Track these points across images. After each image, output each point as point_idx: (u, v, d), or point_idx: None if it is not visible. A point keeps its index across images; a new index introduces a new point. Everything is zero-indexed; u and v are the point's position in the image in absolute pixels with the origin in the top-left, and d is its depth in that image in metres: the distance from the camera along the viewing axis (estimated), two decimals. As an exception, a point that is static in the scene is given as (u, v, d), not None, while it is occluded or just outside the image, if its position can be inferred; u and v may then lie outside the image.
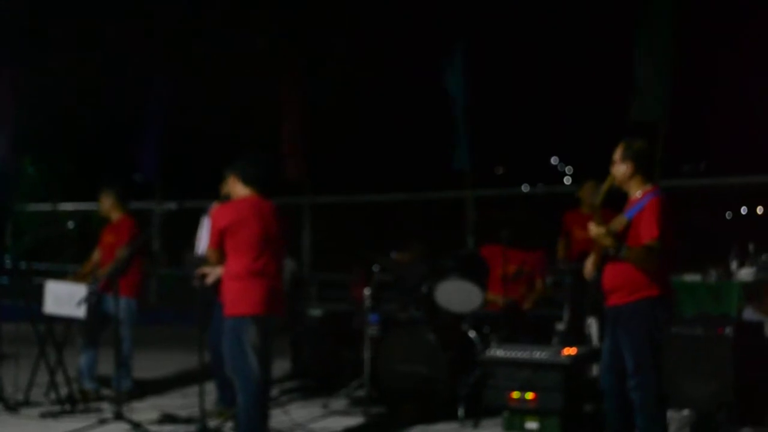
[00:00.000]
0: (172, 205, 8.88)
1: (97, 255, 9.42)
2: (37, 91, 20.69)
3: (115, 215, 9.31)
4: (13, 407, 8.62)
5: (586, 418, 7.73)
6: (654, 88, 11.95)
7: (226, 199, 7.49)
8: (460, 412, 7.99)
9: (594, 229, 6.18)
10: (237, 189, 7.18)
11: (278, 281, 7.10)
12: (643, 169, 6.34)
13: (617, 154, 6.37)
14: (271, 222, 7.05)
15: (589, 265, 6.44)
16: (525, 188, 20.36)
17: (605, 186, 6.36)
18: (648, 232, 6.04)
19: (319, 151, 18.03)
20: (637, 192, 6.30)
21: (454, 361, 8.26)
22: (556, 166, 29.76)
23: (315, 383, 9.49)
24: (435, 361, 8.24)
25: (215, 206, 7.59)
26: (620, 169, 6.34)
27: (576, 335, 8.89)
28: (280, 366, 9.89)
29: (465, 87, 14.30)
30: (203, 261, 7.46)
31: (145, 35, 19.22)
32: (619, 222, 6.28)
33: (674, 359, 6.82)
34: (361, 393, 8.74)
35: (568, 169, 28.82)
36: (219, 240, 6.97)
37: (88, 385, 9.10)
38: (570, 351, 7.68)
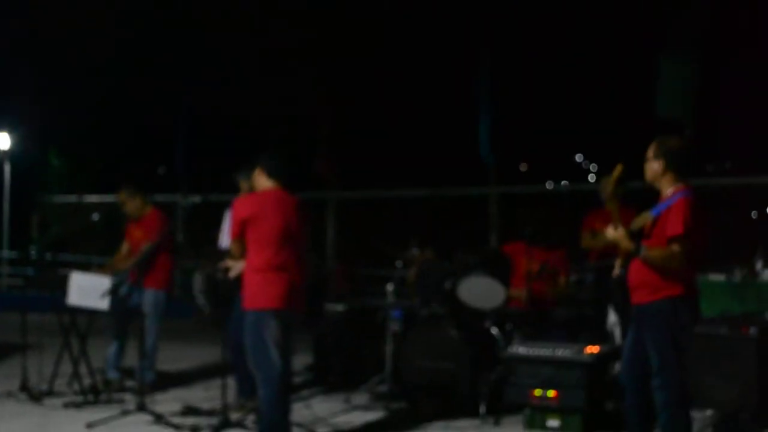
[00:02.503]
0: (196, 198, 8.91)
1: (125, 247, 9.46)
2: (65, 84, 20.80)
3: (145, 210, 9.36)
4: (37, 397, 8.69)
5: (608, 416, 7.70)
6: (679, 85, 11.91)
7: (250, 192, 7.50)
8: (482, 408, 7.97)
9: (612, 232, 6.14)
10: (261, 182, 7.18)
11: (299, 276, 7.08)
12: (675, 167, 6.24)
13: (650, 151, 6.30)
14: (293, 216, 7.04)
15: (617, 268, 6.39)
16: (549, 185, 20.30)
17: (615, 173, 6.27)
18: (672, 229, 5.99)
19: (347, 147, 18.03)
20: (668, 190, 6.25)
21: (476, 358, 8.25)
22: (580, 163, 29.59)
23: (337, 378, 9.49)
24: (457, 358, 8.23)
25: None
26: (652, 166, 6.27)
27: (598, 333, 8.87)
28: (303, 360, 9.92)
29: (490, 84, 14.33)
30: (225, 254, 7.47)
31: (178, 34, 19.27)
32: (643, 219, 6.23)
33: (698, 359, 6.79)
34: (382, 388, 8.75)
35: (593, 167, 28.65)
36: (240, 230, 6.96)
37: (112, 375, 9.16)
38: (593, 349, 7.66)
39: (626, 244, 6.08)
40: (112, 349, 9.22)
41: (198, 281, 8.79)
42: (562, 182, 21.41)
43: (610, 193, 6.31)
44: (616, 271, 6.38)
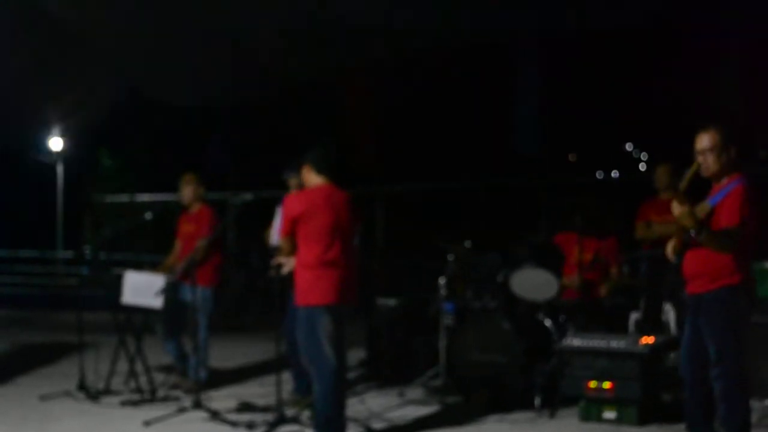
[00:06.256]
0: (247, 196, 8.89)
1: (179, 246, 9.44)
2: (114, 86, 21.02)
3: (196, 205, 9.35)
4: (94, 396, 8.76)
5: (664, 408, 7.64)
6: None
7: (299, 189, 7.51)
8: (537, 401, 7.94)
9: (677, 208, 6.00)
10: (310, 178, 7.21)
11: (350, 270, 7.10)
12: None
13: (705, 141, 6.18)
14: (343, 211, 7.07)
15: (669, 249, 6.30)
16: (599, 175, 20.18)
17: (690, 172, 6.17)
18: (729, 219, 5.91)
19: (388, 141, 18.02)
20: (723, 179, 6.15)
21: (530, 350, 8.21)
22: (630, 152, 29.33)
23: (390, 372, 9.48)
24: (511, 350, 8.20)
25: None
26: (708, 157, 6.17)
27: (653, 323, 8.79)
28: (356, 356, 9.93)
29: (539, 77, 14.28)
30: (276, 251, 7.50)
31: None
32: (702, 209, 6.10)
33: (755, 348, 6.70)
34: (436, 382, 8.74)
35: (643, 156, 28.39)
36: (291, 228, 7.00)
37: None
38: (648, 339, 7.59)
39: (689, 222, 5.93)
40: (173, 350, 9.17)
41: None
42: (612, 172, 21.28)
43: (682, 191, 6.12)
44: (669, 252, 6.26)
